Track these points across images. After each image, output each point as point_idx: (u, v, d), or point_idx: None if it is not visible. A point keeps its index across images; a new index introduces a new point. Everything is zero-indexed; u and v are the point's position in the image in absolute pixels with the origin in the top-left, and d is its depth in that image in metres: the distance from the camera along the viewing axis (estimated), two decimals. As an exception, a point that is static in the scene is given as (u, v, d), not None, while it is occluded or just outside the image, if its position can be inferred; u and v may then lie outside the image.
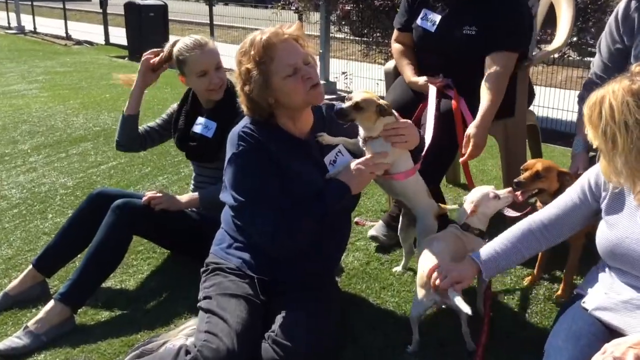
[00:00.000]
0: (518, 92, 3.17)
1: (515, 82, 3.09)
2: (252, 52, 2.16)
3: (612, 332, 1.82)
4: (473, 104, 2.91)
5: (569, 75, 6.58)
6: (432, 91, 2.96)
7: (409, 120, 2.36)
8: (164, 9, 10.63)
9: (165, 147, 4.72)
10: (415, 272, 2.55)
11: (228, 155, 2.22)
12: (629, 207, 1.87)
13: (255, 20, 10.93)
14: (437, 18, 3.08)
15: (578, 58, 6.78)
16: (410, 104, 3.01)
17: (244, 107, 2.26)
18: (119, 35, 12.03)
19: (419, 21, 3.14)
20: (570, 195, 2.08)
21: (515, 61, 3.00)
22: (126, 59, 10.56)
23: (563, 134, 5.46)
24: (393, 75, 3.39)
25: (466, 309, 2.03)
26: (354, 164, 2.24)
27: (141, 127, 3.02)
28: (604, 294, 1.89)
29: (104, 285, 2.72)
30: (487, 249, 2.12)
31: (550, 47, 3.59)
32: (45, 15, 16.30)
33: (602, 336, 1.81)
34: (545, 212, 2.12)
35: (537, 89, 3.67)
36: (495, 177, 4.27)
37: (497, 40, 2.92)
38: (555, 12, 3.57)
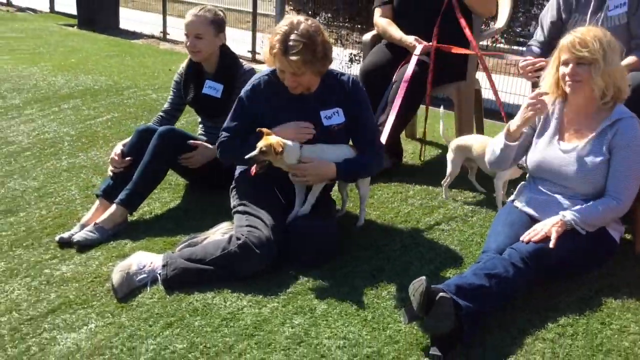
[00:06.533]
0: (469, 58, 3.91)
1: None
2: None
3: (535, 222, 2.65)
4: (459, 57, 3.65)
5: (497, 62, 7.48)
6: (413, 60, 3.58)
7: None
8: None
9: (155, 102, 5.23)
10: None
11: None
12: (549, 133, 2.70)
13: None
14: None
15: (506, 46, 7.68)
16: (387, 64, 3.74)
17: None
18: (63, 3, 12.03)
19: None
20: None
21: None
22: (75, 27, 10.35)
23: (491, 110, 6.34)
24: (369, 45, 4.10)
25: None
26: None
27: (160, 114, 3.61)
28: (530, 196, 2.74)
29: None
30: None
31: (494, 27, 4.41)
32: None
33: (530, 224, 2.64)
34: None
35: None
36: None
37: None
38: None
